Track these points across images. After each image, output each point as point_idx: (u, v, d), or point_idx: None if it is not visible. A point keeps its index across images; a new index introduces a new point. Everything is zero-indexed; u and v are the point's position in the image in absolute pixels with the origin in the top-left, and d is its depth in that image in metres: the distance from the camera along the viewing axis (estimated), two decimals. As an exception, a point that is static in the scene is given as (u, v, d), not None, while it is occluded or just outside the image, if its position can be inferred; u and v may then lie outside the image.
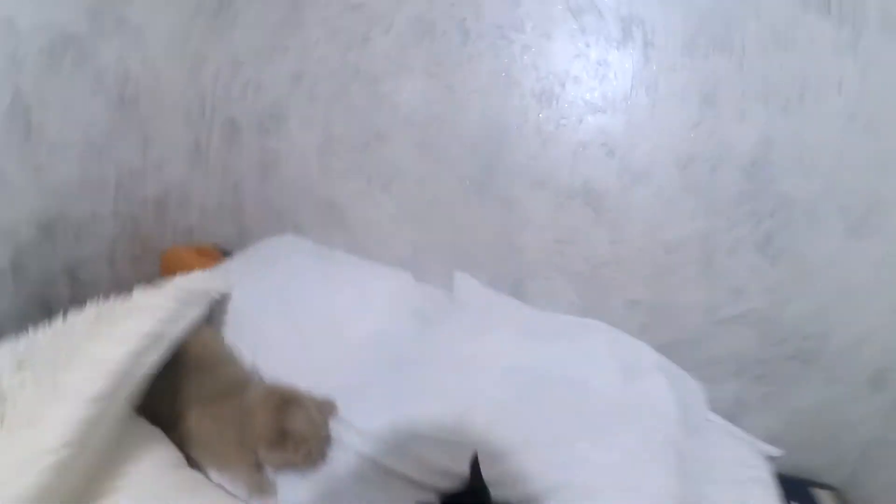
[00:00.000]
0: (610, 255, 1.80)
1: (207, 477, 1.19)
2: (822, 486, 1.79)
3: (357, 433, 1.32)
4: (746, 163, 1.61)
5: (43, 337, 1.22)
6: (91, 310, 1.32)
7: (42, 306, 1.96)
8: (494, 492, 1.06)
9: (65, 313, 1.36)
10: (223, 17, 2.20)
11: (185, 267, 2.07)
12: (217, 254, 2.28)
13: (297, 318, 1.66)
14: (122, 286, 2.10)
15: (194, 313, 1.43)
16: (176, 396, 1.25)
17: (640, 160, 1.70)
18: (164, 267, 2.27)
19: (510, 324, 1.72)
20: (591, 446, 1.31)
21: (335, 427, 1.34)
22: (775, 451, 1.67)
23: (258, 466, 1.22)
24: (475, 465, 1.08)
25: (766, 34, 1.54)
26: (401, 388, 1.45)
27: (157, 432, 1.21)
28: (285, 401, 1.26)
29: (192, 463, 1.21)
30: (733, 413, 1.78)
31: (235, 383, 1.34)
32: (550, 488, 1.19)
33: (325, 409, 1.34)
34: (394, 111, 1.96)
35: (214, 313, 1.62)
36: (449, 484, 1.14)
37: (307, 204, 2.22)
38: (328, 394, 1.39)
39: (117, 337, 1.17)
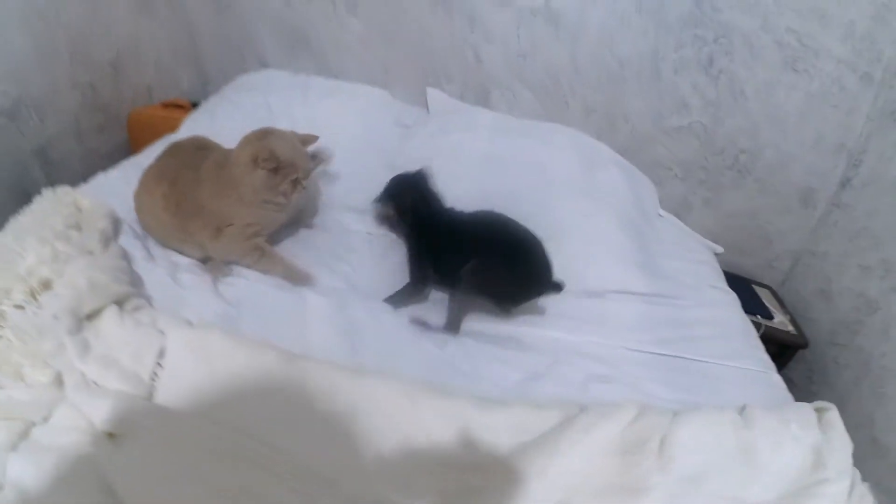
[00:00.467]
0: (569, 66, 2.30)
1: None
2: (760, 284, 2.49)
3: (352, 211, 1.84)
4: None
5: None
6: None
7: (20, 193, 2.12)
8: None
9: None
10: None
11: (154, 125, 2.45)
12: (185, 103, 2.61)
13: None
14: (92, 159, 2.52)
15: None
16: (197, 191, 1.58)
17: (598, -20, 2.15)
18: (131, 131, 2.59)
19: (482, 125, 2.25)
20: (558, 208, 1.90)
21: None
22: (718, 248, 2.33)
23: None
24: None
25: None
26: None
27: None
28: (265, 133, 1.62)
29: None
30: (680, 213, 2.41)
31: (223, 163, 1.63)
32: None
33: (306, 139, 1.70)
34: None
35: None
36: None
37: (270, 35, 2.57)
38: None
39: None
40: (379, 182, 1.88)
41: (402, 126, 2.33)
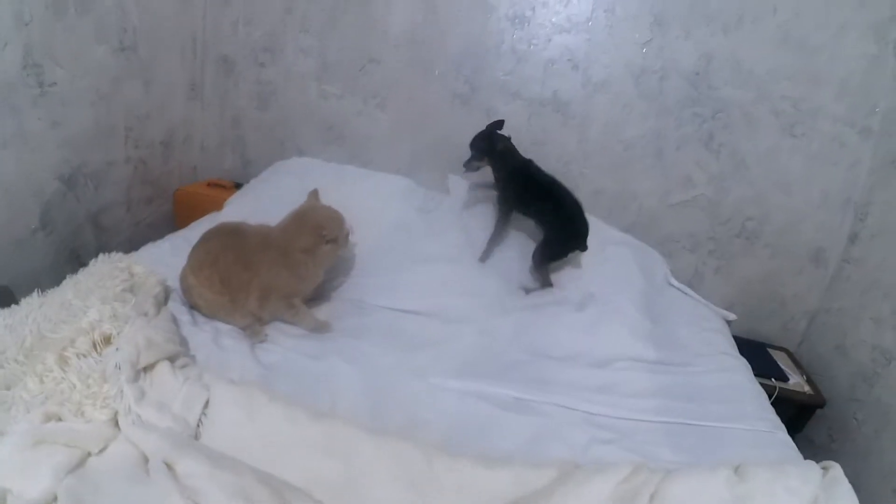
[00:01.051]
0: (577, 152, 2.48)
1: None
2: (777, 347, 2.52)
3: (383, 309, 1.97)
4: (690, 73, 2.29)
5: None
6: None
7: (72, 257, 2.40)
8: None
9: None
10: None
11: (199, 202, 2.67)
12: (228, 184, 2.83)
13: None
14: (139, 228, 2.74)
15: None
16: (243, 268, 1.75)
17: (600, 72, 2.36)
18: (177, 205, 2.81)
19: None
20: (568, 288, 2.07)
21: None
22: (731, 315, 2.39)
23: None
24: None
25: None
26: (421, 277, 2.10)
27: None
28: (301, 214, 1.86)
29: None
30: (692, 283, 2.50)
31: (267, 237, 1.84)
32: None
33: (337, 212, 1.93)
34: (384, 36, 2.56)
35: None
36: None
37: (308, 128, 2.80)
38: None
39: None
40: (398, 260, 2.12)
41: (425, 211, 2.49)
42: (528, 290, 2.17)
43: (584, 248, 2.18)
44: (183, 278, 1.82)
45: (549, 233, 2.21)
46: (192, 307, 1.80)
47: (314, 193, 1.98)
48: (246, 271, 1.74)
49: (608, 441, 1.48)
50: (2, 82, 2.01)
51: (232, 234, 1.84)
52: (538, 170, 2.26)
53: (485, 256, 2.29)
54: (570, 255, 2.25)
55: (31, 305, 1.67)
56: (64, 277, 1.80)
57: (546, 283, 2.21)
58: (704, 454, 1.45)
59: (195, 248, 1.85)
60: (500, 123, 2.25)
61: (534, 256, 2.20)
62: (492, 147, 2.21)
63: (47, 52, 2.13)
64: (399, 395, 1.51)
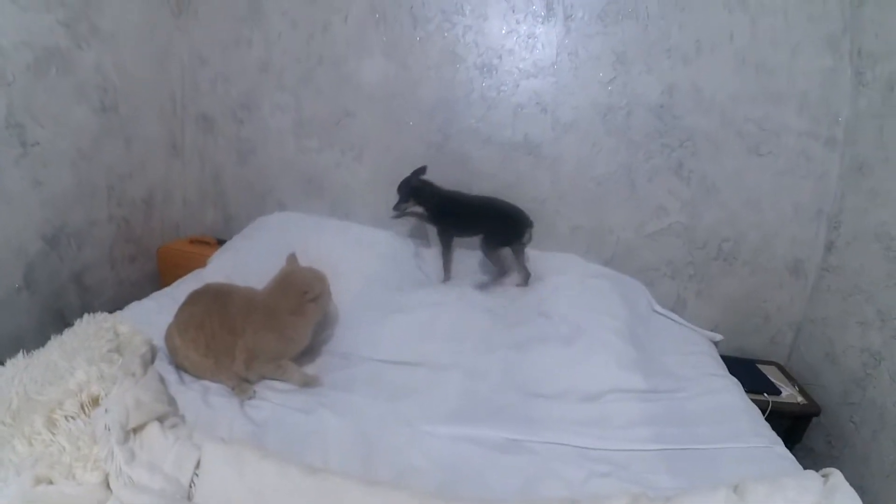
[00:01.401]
0: (551, 191, 2.54)
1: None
2: (767, 362, 2.54)
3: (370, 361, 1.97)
4: (655, 106, 2.36)
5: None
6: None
7: (56, 316, 2.39)
8: None
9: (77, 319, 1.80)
10: (185, 16, 2.76)
11: (182, 259, 2.69)
12: (211, 241, 2.86)
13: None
14: (123, 287, 2.74)
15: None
16: (228, 332, 1.77)
17: (568, 113, 2.43)
18: (161, 263, 2.81)
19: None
20: (555, 324, 2.09)
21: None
22: (717, 336, 2.42)
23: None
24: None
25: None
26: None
27: None
28: (283, 276, 1.88)
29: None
30: (676, 308, 2.55)
31: (252, 301, 1.85)
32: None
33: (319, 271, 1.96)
34: (358, 90, 2.62)
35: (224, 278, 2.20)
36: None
37: (287, 182, 2.84)
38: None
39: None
40: (381, 310, 2.14)
41: (405, 260, 2.54)
42: (483, 286, 2.45)
43: (527, 238, 2.42)
44: (168, 338, 1.83)
45: (491, 230, 2.43)
46: (179, 367, 1.81)
47: (292, 257, 2.01)
48: (231, 335, 1.75)
49: (605, 474, 1.49)
50: None
51: (217, 298, 1.86)
52: (467, 195, 2.48)
53: (446, 277, 2.49)
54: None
55: (17, 367, 1.67)
56: (48, 337, 1.80)
57: (501, 271, 2.48)
58: (703, 477, 1.46)
59: (181, 309, 1.86)
60: (422, 170, 2.43)
61: (482, 249, 2.43)
62: (414, 188, 2.39)
63: (29, 112, 2.16)
64: (390, 445, 1.51)
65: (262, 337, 1.76)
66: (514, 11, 2.43)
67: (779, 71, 2.26)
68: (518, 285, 2.47)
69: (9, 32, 2.06)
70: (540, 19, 2.41)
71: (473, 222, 2.45)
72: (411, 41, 2.54)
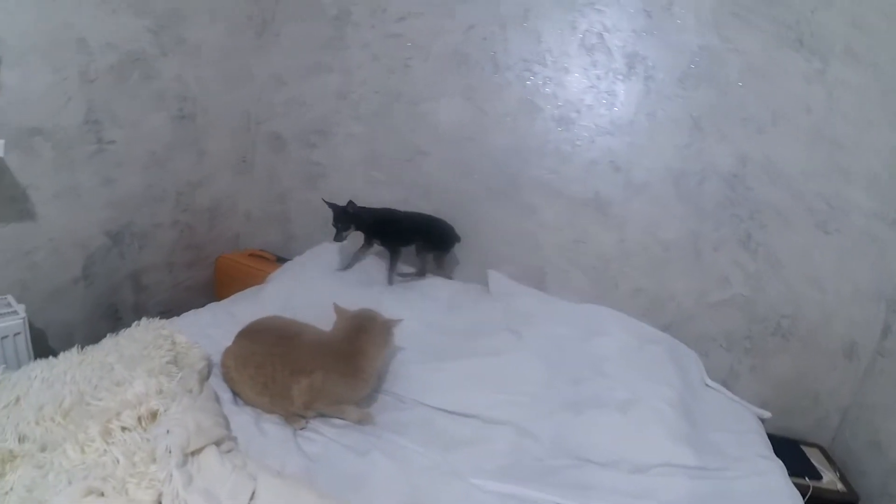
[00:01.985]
0: (617, 252, 2.49)
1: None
2: (810, 444, 2.43)
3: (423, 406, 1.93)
4: (728, 175, 2.31)
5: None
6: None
7: (109, 311, 2.45)
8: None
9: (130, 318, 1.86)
10: (266, 36, 2.81)
11: (240, 270, 2.73)
12: (270, 256, 2.88)
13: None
14: (178, 291, 2.77)
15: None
16: (289, 374, 1.73)
17: (641, 174, 2.40)
18: (218, 272, 2.85)
19: (540, 311, 2.40)
20: (611, 389, 2.01)
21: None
22: (766, 414, 2.30)
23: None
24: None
25: (746, 68, 2.23)
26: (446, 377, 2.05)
27: None
28: (358, 320, 1.84)
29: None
30: (728, 382, 2.44)
31: (322, 343, 1.84)
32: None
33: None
34: (433, 130, 2.63)
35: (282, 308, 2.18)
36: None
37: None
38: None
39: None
40: (436, 356, 2.09)
41: (462, 306, 2.48)
42: (403, 276, 2.67)
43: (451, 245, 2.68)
44: (225, 365, 1.81)
45: (434, 246, 2.64)
46: (235, 395, 1.78)
47: (340, 309, 1.94)
48: (292, 376, 1.70)
49: None
50: (63, 134, 2.09)
51: (281, 339, 1.81)
52: (399, 212, 2.60)
53: (390, 280, 2.58)
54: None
55: (70, 362, 1.68)
56: (99, 330, 1.85)
57: (421, 273, 2.68)
58: None
59: (240, 340, 1.83)
60: (351, 203, 2.45)
61: (417, 252, 2.63)
62: (352, 214, 2.44)
63: (108, 112, 2.22)
64: (440, 497, 1.47)
65: (334, 381, 1.72)
66: (595, 66, 2.41)
67: (851, 147, 2.19)
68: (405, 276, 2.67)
69: (96, 33, 2.11)
70: (621, 77, 2.38)
71: (409, 235, 2.60)
72: (491, 86, 2.54)
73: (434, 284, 2.59)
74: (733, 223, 2.35)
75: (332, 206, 2.44)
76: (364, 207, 2.49)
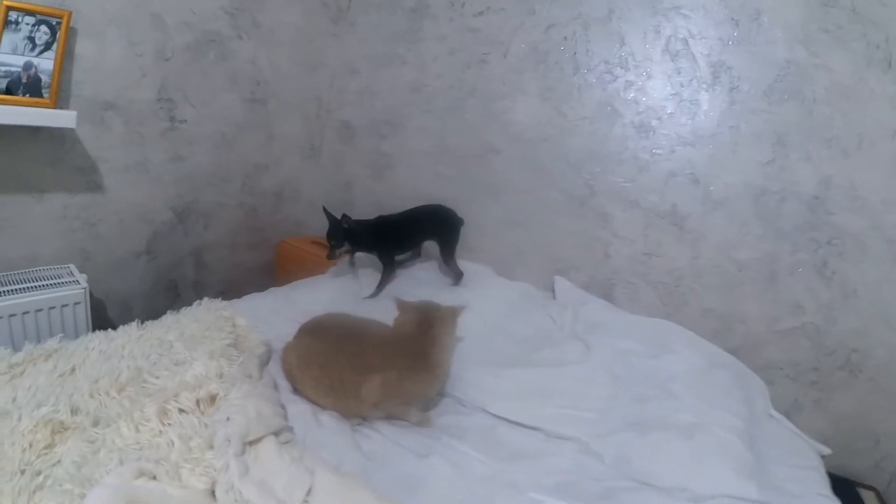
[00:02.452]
0: (690, 268, 2.36)
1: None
2: (866, 486, 2.30)
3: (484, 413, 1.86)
4: (809, 197, 2.17)
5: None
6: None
7: (168, 287, 2.46)
8: None
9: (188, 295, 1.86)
10: (342, 24, 2.78)
11: (302, 256, 2.70)
12: None
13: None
14: (239, 271, 2.76)
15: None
16: (356, 373, 1.65)
17: (721, 189, 2.27)
18: (280, 257, 2.82)
19: (609, 322, 2.29)
20: (676, 409, 1.90)
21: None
22: (826, 450, 2.15)
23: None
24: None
25: (833, 86, 2.09)
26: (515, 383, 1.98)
27: None
28: (428, 313, 1.75)
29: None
30: (790, 413, 2.29)
31: (391, 340, 1.75)
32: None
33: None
34: (506, 128, 2.54)
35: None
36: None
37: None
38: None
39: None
40: (500, 362, 2.00)
41: (528, 312, 2.39)
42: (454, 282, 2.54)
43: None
44: (287, 361, 1.74)
45: (441, 238, 2.53)
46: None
47: (403, 302, 1.86)
48: (360, 376, 1.62)
49: None
50: (135, 109, 2.11)
51: (347, 338, 1.74)
52: (394, 216, 2.50)
53: (376, 294, 2.39)
54: None
55: (129, 335, 1.66)
56: (158, 304, 1.85)
57: (458, 277, 2.52)
58: None
59: (302, 337, 1.77)
60: (346, 217, 2.34)
61: (444, 257, 2.52)
62: (347, 230, 2.32)
63: (181, 90, 2.23)
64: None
65: (409, 378, 1.65)
66: (679, 73, 2.29)
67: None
68: (451, 285, 2.50)
69: (173, 11, 2.12)
70: (705, 86, 2.26)
71: (412, 235, 2.55)
72: (570, 88, 2.44)
73: (496, 285, 2.50)
74: (810, 248, 2.21)
75: (330, 217, 2.34)
76: (359, 221, 2.39)
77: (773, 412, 2.22)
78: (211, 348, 1.58)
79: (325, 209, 2.35)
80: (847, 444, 2.30)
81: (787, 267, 2.25)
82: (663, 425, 1.81)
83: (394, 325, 1.79)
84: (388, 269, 2.45)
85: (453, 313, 1.78)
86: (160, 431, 1.30)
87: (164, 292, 2.45)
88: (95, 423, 1.32)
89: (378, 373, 1.61)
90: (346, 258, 2.54)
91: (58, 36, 1.75)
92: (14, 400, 1.32)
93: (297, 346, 1.74)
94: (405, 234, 2.50)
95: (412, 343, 1.69)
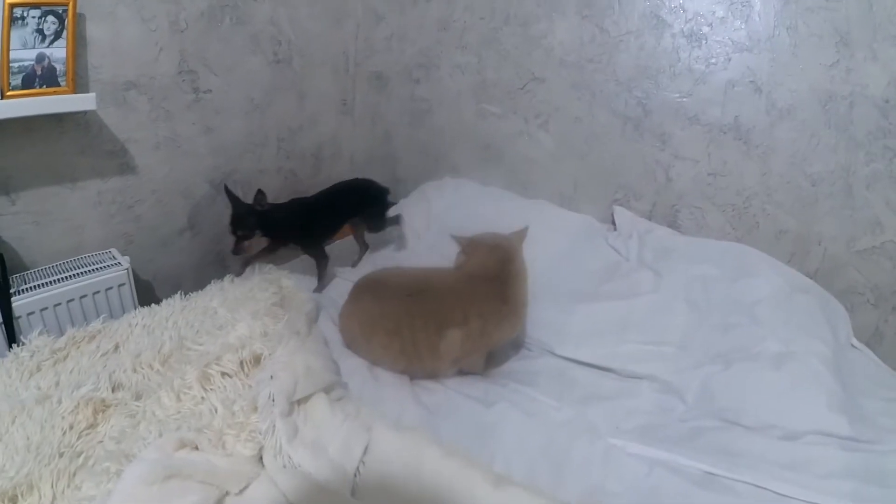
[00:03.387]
0: (759, 186, 2.12)
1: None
2: None
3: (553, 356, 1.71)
4: (880, 100, 1.90)
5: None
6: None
7: (216, 259, 2.39)
8: None
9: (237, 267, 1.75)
10: None
11: None
12: None
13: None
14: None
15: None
16: (435, 331, 1.49)
17: (785, 97, 2.01)
18: None
19: (677, 252, 2.07)
20: (763, 338, 1.71)
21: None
22: None
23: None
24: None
25: None
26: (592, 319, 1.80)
27: None
28: (498, 250, 1.57)
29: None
30: (870, 343, 2.06)
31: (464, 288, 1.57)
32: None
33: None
34: (548, 54, 2.32)
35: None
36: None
37: (462, 148, 2.60)
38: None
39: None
40: (568, 298, 1.83)
41: (593, 245, 2.20)
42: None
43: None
44: (348, 328, 1.61)
45: (365, 213, 2.23)
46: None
47: (460, 238, 1.67)
48: (436, 334, 1.47)
49: None
50: (157, 85, 2.03)
51: (412, 291, 1.57)
52: (305, 198, 2.19)
53: (320, 288, 2.07)
54: None
55: (173, 307, 1.58)
56: (207, 278, 1.75)
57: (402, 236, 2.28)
58: None
59: (363, 298, 1.63)
60: (261, 194, 1.94)
61: (372, 229, 2.25)
62: (260, 213, 1.92)
63: (202, 60, 2.13)
64: (578, 458, 1.25)
65: (493, 323, 1.49)
66: (726, -28, 2.03)
67: None
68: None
69: None
70: (756, -17, 2.00)
71: (333, 215, 2.18)
72: (610, 1, 2.19)
73: (556, 215, 2.29)
74: (886, 156, 1.94)
75: (233, 199, 1.94)
76: (274, 204, 2.03)
77: (855, 341, 2.01)
78: (255, 308, 1.47)
79: (226, 188, 1.96)
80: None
81: (863, 179, 1.99)
82: (749, 356, 1.61)
83: (462, 267, 1.60)
84: (320, 257, 2.12)
85: (520, 238, 1.61)
86: (202, 398, 1.18)
87: (212, 266, 2.38)
88: (137, 398, 1.23)
89: (458, 326, 1.44)
90: (254, 252, 2.05)
91: (66, 23, 1.67)
92: (57, 384, 1.24)
93: (357, 311, 1.60)
94: (325, 215, 2.15)
95: (491, 284, 1.52)
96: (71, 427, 1.12)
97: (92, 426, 1.14)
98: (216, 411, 1.13)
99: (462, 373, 1.54)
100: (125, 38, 1.88)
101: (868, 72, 1.91)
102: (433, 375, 1.50)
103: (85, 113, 1.82)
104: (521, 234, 1.62)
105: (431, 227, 2.21)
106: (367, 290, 1.64)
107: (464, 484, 1.02)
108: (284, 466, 1.03)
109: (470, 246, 1.60)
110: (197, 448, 1.05)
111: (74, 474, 1.02)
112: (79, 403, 1.16)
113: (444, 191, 2.45)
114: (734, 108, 2.10)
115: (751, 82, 2.05)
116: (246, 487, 1.00)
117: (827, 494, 1.30)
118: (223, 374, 1.24)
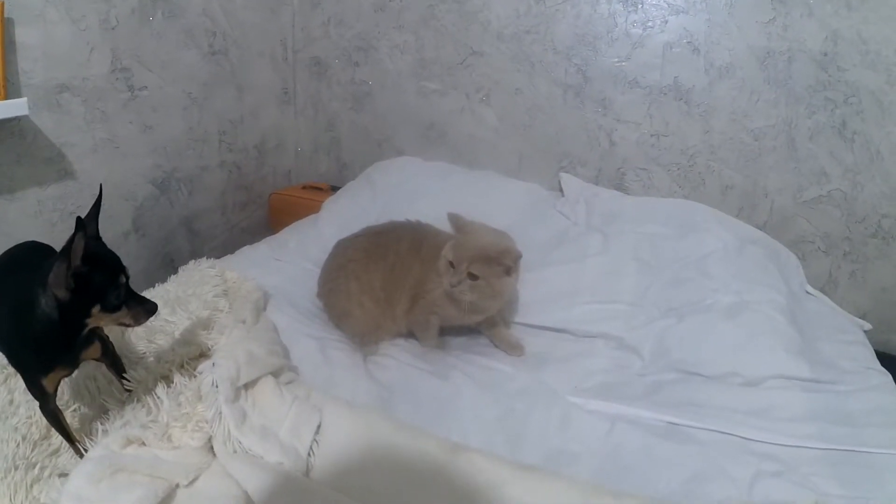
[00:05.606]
0: (703, 145, 2.15)
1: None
2: None
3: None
4: (818, 54, 1.95)
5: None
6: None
7: (165, 261, 2.32)
8: None
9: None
10: None
11: (295, 205, 2.52)
12: (325, 187, 2.65)
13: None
14: (234, 233, 2.58)
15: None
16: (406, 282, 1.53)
17: (723, 56, 2.04)
18: (272, 209, 2.67)
19: (625, 213, 2.09)
20: (715, 291, 1.73)
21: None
22: (866, 325, 2.01)
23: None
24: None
25: None
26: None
27: None
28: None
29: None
30: (826, 289, 2.14)
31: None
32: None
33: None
34: (485, 28, 2.30)
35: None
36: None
37: (406, 128, 2.57)
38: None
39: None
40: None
41: (540, 213, 2.18)
42: None
43: None
44: (330, 281, 1.60)
45: None
46: (337, 325, 1.58)
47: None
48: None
49: (775, 474, 1.20)
50: (91, 86, 1.94)
51: (413, 247, 1.59)
52: None
53: None
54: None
55: None
56: (157, 281, 1.66)
57: None
58: (872, 486, 1.19)
59: (343, 252, 1.63)
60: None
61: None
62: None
63: (135, 57, 2.06)
64: (537, 423, 1.24)
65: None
66: (657, -65, 2.04)
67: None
68: None
69: None
70: (685, -55, 2.02)
71: None
72: (543, -30, 2.19)
73: (503, 185, 2.26)
74: (827, 108, 2.00)
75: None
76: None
77: (809, 288, 2.07)
78: (199, 303, 1.43)
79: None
80: (888, 318, 2.13)
81: (805, 131, 2.04)
82: (702, 308, 1.64)
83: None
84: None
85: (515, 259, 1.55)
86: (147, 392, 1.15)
87: (162, 268, 2.28)
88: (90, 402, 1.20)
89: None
90: None
91: (-6, 29, 1.58)
92: (11, 402, 1.18)
93: (350, 255, 1.61)
94: None
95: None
96: (24, 439, 1.09)
97: (45, 437, 1.12)
98: (163, 404, 1.09)
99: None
100: (55, 40, 1.81)
101: (805, 27, 1.96)
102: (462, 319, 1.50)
103: (18, 120, 1.73)
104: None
105: (377, 203, 2.17)
106: (361, 248, 1.63)
107: (421, 455, 1.01)
108: (235, 452, 1.00)
109: (467, 226, 1.61)
110: (144, 443, 1.02)
111: (32, 486, 0.99)
112: (31, 416, 1.13)
113: (389, 170, 2.42)
114: (673, 69, 2.12)
115: (688, 43, 2.08)
116: (196, 478, 0.97)
117: (792, 436, 1.33)
118: (169, 368, 1.21)
